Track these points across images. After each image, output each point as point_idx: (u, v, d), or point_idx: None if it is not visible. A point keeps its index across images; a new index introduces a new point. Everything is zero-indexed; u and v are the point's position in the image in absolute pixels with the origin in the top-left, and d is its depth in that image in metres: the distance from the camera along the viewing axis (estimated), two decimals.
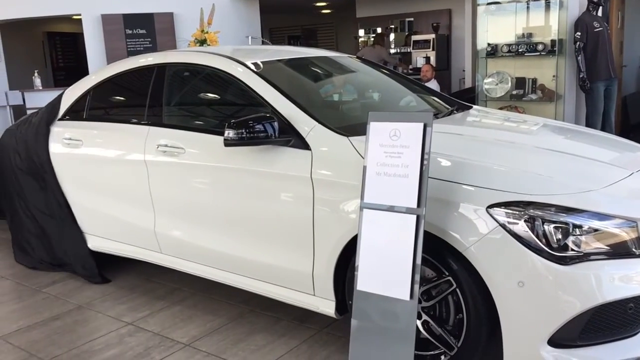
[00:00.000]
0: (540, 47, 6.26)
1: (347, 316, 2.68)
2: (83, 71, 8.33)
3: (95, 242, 3.84)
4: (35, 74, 9.36)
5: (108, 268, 4.07)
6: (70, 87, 4.08)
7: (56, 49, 13.54)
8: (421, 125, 2.14)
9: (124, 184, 3.50)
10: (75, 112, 3.92)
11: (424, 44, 9.94)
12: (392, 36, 10.87)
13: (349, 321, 2.45)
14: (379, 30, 11.02)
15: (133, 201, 3.46)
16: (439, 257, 2.35)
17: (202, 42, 6.74)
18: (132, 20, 8.34)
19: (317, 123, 2.72)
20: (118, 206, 3.57)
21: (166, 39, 8.35)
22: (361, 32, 11.50)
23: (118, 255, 3.77)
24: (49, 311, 3.44)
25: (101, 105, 3.89)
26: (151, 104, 3.45)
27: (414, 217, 2.13)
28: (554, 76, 6.30)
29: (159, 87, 3.42)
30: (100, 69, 4.19)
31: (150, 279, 3.84)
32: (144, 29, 8.36)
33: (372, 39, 10.73)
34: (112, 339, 3.05)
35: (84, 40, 8.71)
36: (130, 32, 8.36)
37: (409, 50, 10.38)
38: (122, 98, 3.95)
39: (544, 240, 2.15)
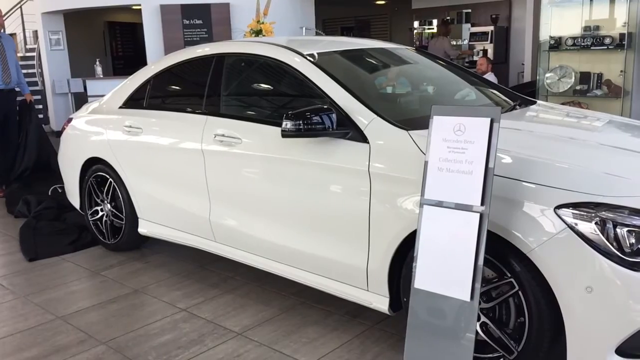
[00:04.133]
0: (607, 40, 5.97)
1: (400, 313, 2.64)
2: (141, 60, 8.54)
3: (151, 228, 3.92)
4: (97, 62, 9.67)
5: (163, 254, 4.17)
6: (131, 76, 4.17)
7: (116, 38, 13.96)
8: (488, 120, 2.06)
9: (181, 172, 3.55)
10: (136, 101, 4.01)
11: (481, 36, 9.68)
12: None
13: (402, 318, 2.41)
14: (434, 21, 10.76)
15: (189, 189, 3.50)
16: (500, 257, 2.26)
17: (258, 33, 6.77)
18: (190, 11, 8.47)
19: (375, 116, 2.67)
20: (175, 194, 3.63)
21: (222, 29, 8.45)
22: (416, 24, 11.30)
23: (173, 242, 3.83)
24: (107, 294, 3.54)
25: (160, 95, 3.96)
26: (209, 93, 3.48)
27: (477, 215, 2.06)
28: (621, 71, 5.99)
29: (217, 77, 3.44)
30: (159, 59, 4.26)
31: (204, 266, 3.89)
32: (201, 19, 8.48)
33: (435, 30, 10.37)
34: (167, 324, 3.11)
35: (142, 30, 8.92)
36: (187, 22, 8.50)
37: (465, 43, 10.13)
38: (180, 87, 4.01)
39: (615, 244, 2.04)
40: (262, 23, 6.90)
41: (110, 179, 4.10)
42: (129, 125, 3.89)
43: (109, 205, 4.19)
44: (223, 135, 3.23)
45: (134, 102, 4.02)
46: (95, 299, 3.48)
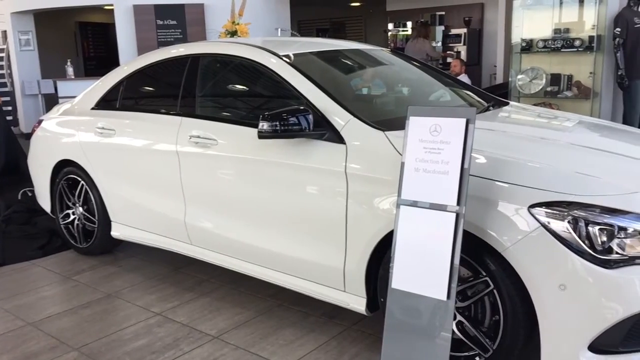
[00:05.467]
0: (577, 43, 6.10)
1: (377, 314, 2.64)
2: (113, 61, 8.43)
3: (124, 231, 3.86)
4: (68, 63, 9.49)
5: (136, 257, 4.11)
6: (103, 77, 4.10)
7: (87, 38, 13.74)
8: (463, 120, 2.08)
9: (155, 174, 3.51)
10: (108, 102, 3.94)
11: (455, 39, 9.79)
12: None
13: (379, 319, 2.42)
14: (409, 23, 10.84)
15: (164, 191, 3.46)
16: (476, 256, 2.28)
17: (233, 34, 6.73)
18: (163, 11, 8.38)
19: (352, 117, 2.68)
20: (149, 196, 3.58)
21: (196, 29, 8.37)
22: (390, 26, 11.38)
23: (147, 245, 3.78)
24: (79, 299, 3.47)
25: (134, 96, 3.90)
26: (184, 94, 3.44)
27: (453, 215, 2.07)
28: (591, 73, 6.13)
29: (192, 78, 3.41)
30: (133, 59, 4.21)
31: (179, 269, 3.84)
32: (175, 20, 8.40)
33: (409, 32, 10.36)
34: (141, 328, 3.06)
35: (115, 30, 8.79)
36: (161, 22, 8.41)
37: (439, 45, 10.23)
38: (154, 88, 3.96)
39: (587, 242, 2.07)
40: (237, 24, 6.86)
41: (82, 182, 4.03)
42: (101, 126, 3.82)
43: (80, 209, 4.11)
44: (198, 137, 3.20)
45: (106, 103, 3.96)
46: (67, 304, 3.41)
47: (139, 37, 8.50)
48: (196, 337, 2.94)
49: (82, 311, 3.30)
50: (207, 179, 3.20)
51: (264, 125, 2.67)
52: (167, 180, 3.41)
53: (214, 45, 3.59)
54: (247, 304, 3.28)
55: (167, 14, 8.38)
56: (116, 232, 3.92)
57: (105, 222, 3.95)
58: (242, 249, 3.12)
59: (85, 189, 4.02)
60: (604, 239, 2.07)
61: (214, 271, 3.66)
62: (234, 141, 3.08)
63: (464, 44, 9.70)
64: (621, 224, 2.07)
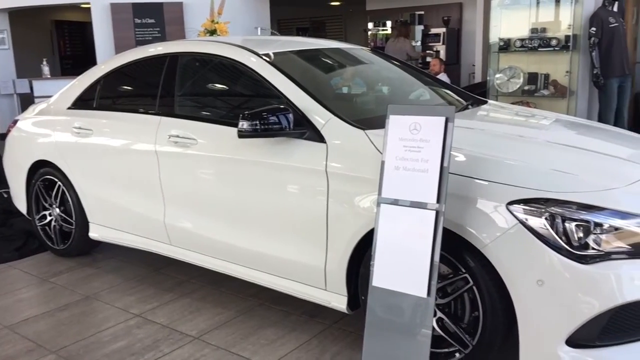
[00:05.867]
0: (554, 42, 6.19)
1: (358, 312, 2.65)
2: (90, 60, 8.30)
3: (103, 233, 3.81)
4: (44, 62, 9.34)
5: (115, 259, 4.06)
6: (80, 76, 4.04)
7: (64, 37, 13.53)
8: (443, 119, 2.09)
9: (134, 174, 3.47)
10: (85, 101, 3.89)
11: (434, 38, 9.86)
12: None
13: (360, 317, 2.42)
14: (388, 22, 10.88)
15: (143, 192, 3.42)
16: (455, 253, 2.30)
17: (212, 33, 6.69)
18: (141, 9, 8.29)
19: (332, 115, 2.68)
20: (127, 197, 3.54)
21: (175, 28, 8.30)
22: (370, 25, 11.42)
23: (126, 246, 3.74)
24: (56, 301, 3.42)
25: (111, 95, 3.85)
26: (163, 94, 3.41)
27: (433, 213, 2.09)
28: (567, 72, 6.23)
29: (171, 77, 3.38)
30: (110, 58, 4.15)
31: (159, 270, 3.81)
32: (153, 19, 8.31)
33: (389, 31, 10.39)
34: (120, 330, 3.02)
35: (92, 29, 8.67)
36: (139, 21, 8.31)
37: (418, 44, 10.29)
38: (132, 88, 3.91)
39: (564, 239, 2.10)
40: (217, 22, 6.82)
41: (59, 183, 3.97)
42: (78, 126, 3.77)
43: (57, 210, 4.05)
44: (177, 136, 3.17)
45: (83, 102, 3.90)
46: (44, 306, 3.36)
47: (116, 36, 8.39)
48: (176, 338, 2.92)
49: (59, 313, 3.25)
50: (187, 178, 3.17)
51: (244, 125, 2.65)
52: (146, 180, 3.37)
53: (193, 44, 3.57)
54: (228, 304, 3.27)
55: (145, 12, 8.29)
56: (94, 233, 3.87)
57: (83, 223, 3.90)
58: (222, 248, 3.10)
59: (62, 189, 3.96)
60: (581, 235, 2.10)
61: (194, 272, 3.63)
62: (213, 141, 3.06)
63: (443, 44, 9.78)
64: (597, 220, 2.11)
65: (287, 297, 2.95)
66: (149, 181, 3.35)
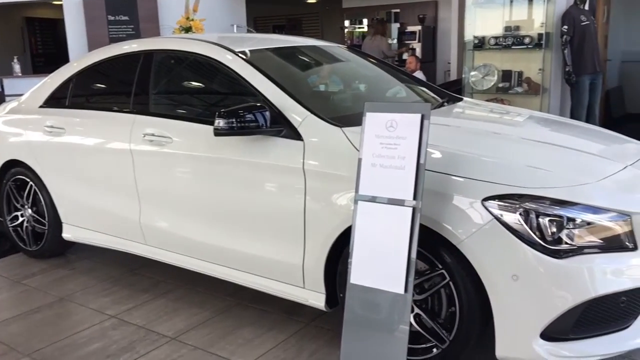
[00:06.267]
0: (527, 40, 6.28)
1: (336, 309, 2.65)
2: (63, 58, 8.14)
3: (77, 233, 3.75)
4: (15, 60, 9.13)
5: (89, 260, 3.99)
6: (52, 74, 3.97)
7: (35, 35, 13.24)
8: (419, 116, 2.10)
9: (108, 173, 3.42)
10: (58, 100, 3.82)
11: (410, 36, 9.92)
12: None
13: (338, 314, 2.43)
14: (365, 20, 10.91)
15: (117, 192, 3.38)
16: (432, 249, 2.32)
17: (188, 30, 6.62)
18: (115, 6, 8.16)
19: (309, 113, 2.67)
20: (102, 196, 3.49)
21: (150, 26, 8.18)
22: (347, 23, 11.44)
23: (101, 247, 3.68)
24: (29, 304, 3.35)
25: (85, 93, 3.79)
26: (137, 92, 3.36)
27: (410, 210, 2.10)
28: (540, 69, 6.32)
29: (145, 75, 3.34)
30: (83, 55, 4.08)
31: (134, 271, 3.76)
32: (127, 16, 8.18)
33: (365, 29, 10.43)
34: (95, 332, 2.98)
35: (64, 26, 8.50)
36: (112, 18, 8.18)
37: (394, 42, 10.34)
38: (106, 85, 3.86)
39: (538, 233, 2.14)
40: (192, 20, 6.75)
41: (31, 183, 3.89)
42: (50, 125, 3.70)
43: (29, 210, 3.97)
44: (153, 135, 3.14)
45: (55, 101, 3.83)
46: (17, 309, 3.29)
47: (89, 33, 8.24)
48: (153, 338, 2.88)
49: (33, 316, 3.19)
50: (163, 177, 3.14)
51: (220, 123, 2.63)
52: (120, 179, 3.33)
53: (168, 41, 3.53)
54: (205, 303, 3.24)
55: (118, 9, 8.16)
56: (67, 234, 3.80)
57: (56, 223, 3.83)
58: (199, 248, 3.08)
59: (34, 190, 3.89)
60: (554, 229, 2.13)
61: (171, 272, 3.59)
62: (189, 139, 3.03)
63: (419, 41, 9.84)
64: (570, 215, 2.15)
65: (264, 295, 2.93)
66: (124, 180, 3.30)
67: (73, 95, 3.76)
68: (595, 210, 2.17)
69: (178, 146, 3.05)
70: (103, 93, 3.84)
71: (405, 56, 9.50)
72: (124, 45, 3.63)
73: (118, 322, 3.07)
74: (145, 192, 3.24)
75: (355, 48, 4.52)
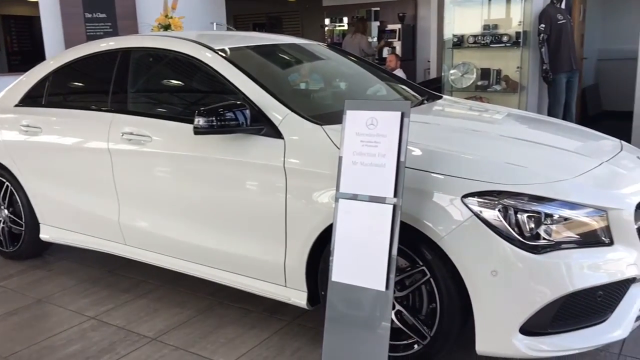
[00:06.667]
0: (505, 38, 6.34)
1: (318, 307, 2.65)
2: (39, 56, 8.00)
3: (55, 234, 3.69)
4: None
5: (68, 260, 3.94)
6: (28, 72, 3.90)
7: (11, 32, 13.00)
8: (399, 114, 2.11)
9: (86, 173, 3.37)
10: (34, 98, 3.75)
11: (390, 34, 9.96)
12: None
13: (320, 312, 2.43)
14: (345, 19, 10.93)
15: (96, 191, 3.33)
16: (413, 246, 2.33)
17: (166, 28, 6.56)
18: (92, 3, 8.04)
19: (290, 111, 2.67)
20: (80, 196, 3.44)
21: (128, 23, 8.08)
22: (327, 21, 11.44)
23: (79, 248, 3.63)
24: (6, 306, 3.29)
25: (61, 92, 3.73)
26: (115, 90, 3.32)
27: (391, 207, 2.11)
28: (518, 67, 6.39)
29: (124, 73, 3.30)
30: (60, 53, 4.02)
31: (113, 271, 3.72)
32: (105, 13, 8.07)
33: (345, 27, 10.46)
34: (74, 334, 2.94)
35: (40, 23, 8.36)
36: (89, 15, 8.06)
37: (374, 40, 10.38)
38: (83, 84, 3.80)
39: (516, 230, 2.16)
40: (171, 17, 6.69)
41: (7, 183, 3.83)
42: (26, 124, 3.64)
43: (6, 211, 3.90)
44: (131, 134, 3.10)
45: (31, 99, 3.77)
46: None
47: (66, 31, 8.11)
48: (133, 339, 2.85)
49: (10, 318, 3.14)
50: (142, 177, 3.10)
51: (199, 121, 2.62)
52: (98, 179, 3.29)
53: (146, 38, 3.49)
54: (186, 303, 3.22)
55: (96, 6, 8.05)
56: (45, 234, 3.75)
57: (33, 224, 3.77)
58: (180, 247, 3.05)
59: (11, 190, 3.83)
60: (532, 225, 2.16)
61: (151, 272, 3.56)
62: (169, 138, 3.00)
63: (399, 40, 9.89)
64: (547, 211, 2.18)
65: (246, 294, 2.92)
66: (102, 180, 3.26)
67: (49, 94, 3.70)
68: (572, 206, 2.21)
69: (157, 145, 3.02)
70: (80, 91, 3.79)
71: (385, 53, 9.55)
72: (102, 43, 3.58)
73: (98, 324, 3.03)
74: (124, 191, 3.20)
75: (335, 46, 4.52)
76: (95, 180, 3.32)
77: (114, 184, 3.22)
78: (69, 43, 7.63)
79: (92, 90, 3.71)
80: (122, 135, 3.13)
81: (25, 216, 3.79)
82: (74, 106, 3.61)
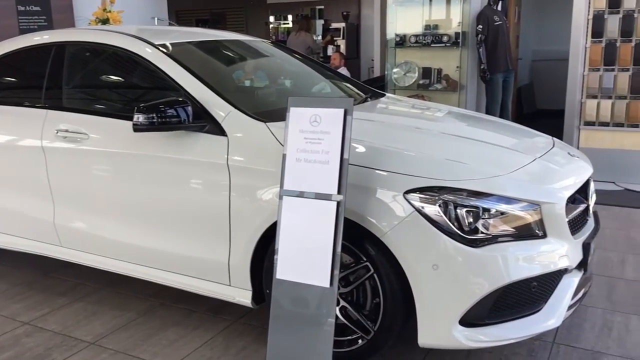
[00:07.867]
0: (445, 38, 6.50)
1: (263, 306, 2.64)
2: None
3: None
4: None
5: (0, 265, 3.75)
6: None
7: None
8: (342, 111, 2.13)
9: (17, 172, 3.22)
10: None
11: (334, 32, 10.02)
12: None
13: (265, 310, 2.41)
14: (289, 16, 10.92)
15: (29, 191, 3.19)
16: (356, 243, 2.35)
17: (105, 22, 6.35)
18: None
19: (233, 108, 2.64)
20: (11, 197, 3.28)
21: (64, 17, 7.75)
22: (272, 19, 11.39)
23: (12, 250, 3.46)
24: None
25: None
26: (49, 85, 3.18)
27: (335, 204, 2.12)
28: (457, 67, 6.56)
29: (58, 68, 3.17)
30: None
31: (49, 274, 3.57)
32: (39, 6, 7.72)
33: (290, 25, 10.46)
34: (7, 340, 2.80)
35: None
36: (22, 8, 7.69)
37: (319, 38, 10.42)
38: (15, 79, 3.63)
39: (456, 224, 2.22)
40: (109, 11, 6.48)
41: None
42: None
43: None
44: (67, 131, 2.99)
45: None
46: None
47: None
48: (70, 344, 2.75)
49: None
50: (78, 176, 2.99)
51: (139, 118, 2.55)
52: (31, 178, 3.15)
53: (82, 32, 3.37)
54: (127, 305, 3.13)
55: None
56: None
57: None
58: (119, 248, 2.96)
59: None
60: (471, 220, 2.23)
61: (89, 274, 3.44)
62: (107, 135, 2.91)
63: (343, 38, 9.96)
64: (485, 206, 2.25)
65: (189, 295, 2.87)
66: (36, 179, 3.12)
67: None
68: (508, 200, 2.28)
69: (95, 143, 2.92)
70: (12, 87, 3.61)
71: (330, 51, 9.60)
72: (35, 37, 3.43)
73: (32, 329, 2.90)
74: (60, 191, 3.08)
75: (280, 44, 4.50)
76: (27, 179, 3.18)
77: (48, 183, 3.09)
78: (1, 37, 7.26)
79: (25, 85, 3.54)
80: (57, 132, 3.01)
81: None
82: (5, 102, 3.43)
